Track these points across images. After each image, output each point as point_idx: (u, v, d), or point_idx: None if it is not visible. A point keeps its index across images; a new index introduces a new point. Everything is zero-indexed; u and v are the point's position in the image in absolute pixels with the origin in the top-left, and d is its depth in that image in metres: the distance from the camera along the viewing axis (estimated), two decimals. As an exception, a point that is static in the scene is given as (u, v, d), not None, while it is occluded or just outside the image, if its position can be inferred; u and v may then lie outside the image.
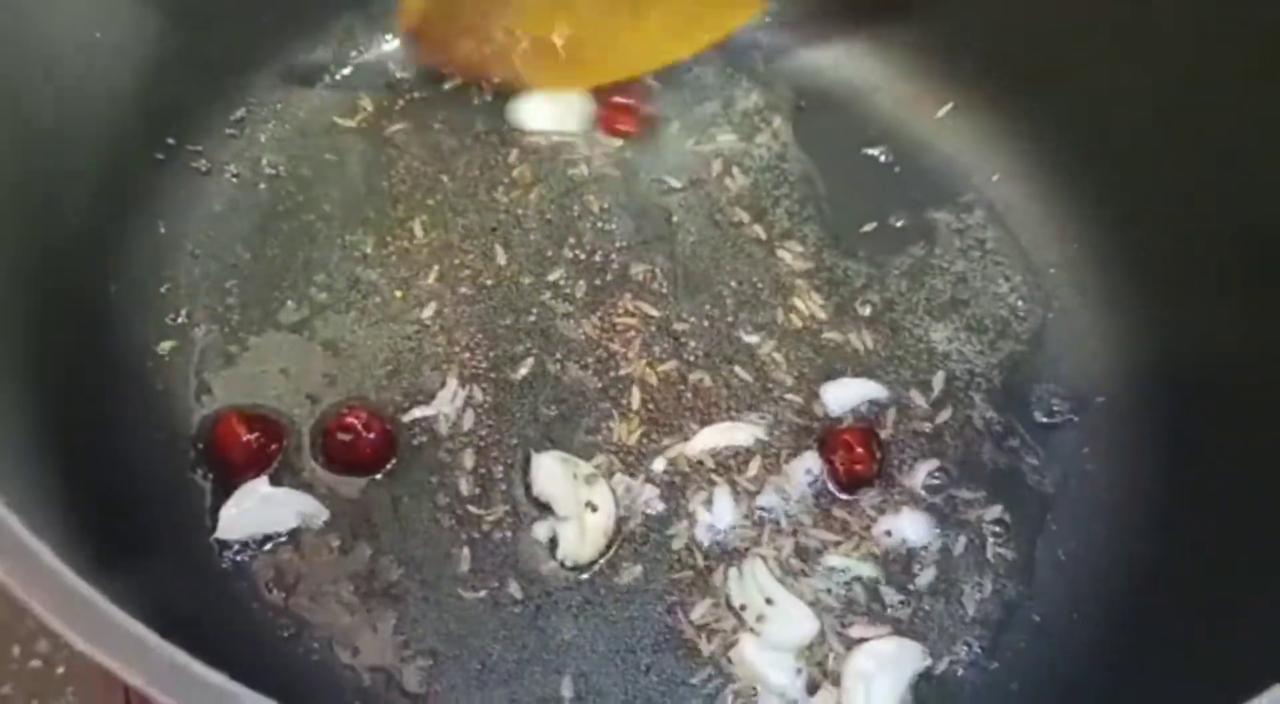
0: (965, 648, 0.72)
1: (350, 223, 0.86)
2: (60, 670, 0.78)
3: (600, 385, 0.80)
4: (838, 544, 0.75)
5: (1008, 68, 0.89)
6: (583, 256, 0.85)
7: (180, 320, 0.80)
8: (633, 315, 0.82)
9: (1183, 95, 0.79)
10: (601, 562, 0.73)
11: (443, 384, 0.79)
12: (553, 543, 0.74)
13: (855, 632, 0.72)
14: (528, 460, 0.76)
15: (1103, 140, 0.85)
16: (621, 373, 0.80)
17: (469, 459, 0.76)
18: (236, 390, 0.78)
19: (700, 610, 0.72)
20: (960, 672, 0.72)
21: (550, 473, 0.75)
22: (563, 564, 0.73)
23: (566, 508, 0.74)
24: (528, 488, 0.75)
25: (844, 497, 0.76)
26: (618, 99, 0.92)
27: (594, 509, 0.73)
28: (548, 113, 0.92)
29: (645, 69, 0.93)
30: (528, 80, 0.91)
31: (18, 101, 0.70)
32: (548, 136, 0.91)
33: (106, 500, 0.68)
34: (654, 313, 0.82)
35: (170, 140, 0.85)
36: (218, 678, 0.41)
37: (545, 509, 0.75)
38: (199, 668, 0.41)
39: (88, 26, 0.76)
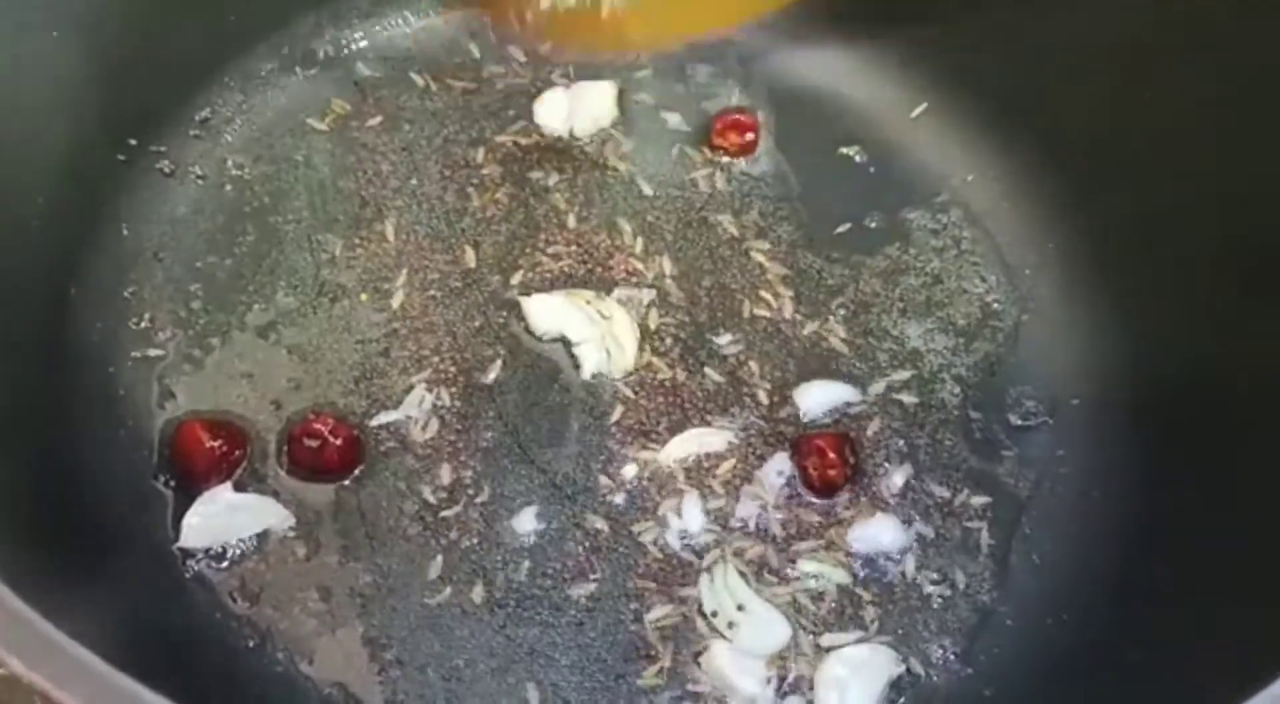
0: (939, 653, 0.72)
1: (317, 225, 0.85)
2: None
3: (570, 389, 0.79)
4: (811, 550, 0.74)
5: (982, 69, 0.88)
6: (552, 259, 0.84)
7: (143, 325, 0.79)
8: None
9: (1158, 97, 0.79)
10: (640, 371, 0.79)
11: (410, 388, 0.78)
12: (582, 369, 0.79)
13: (828, 638, 0.71)
14: (493, 460, 0.75)
15: (1079, 142, 0.84)
16: (591, 376, 0.79)
17: (437, 464, 0.75)
18: (200, 396, 0.77)
19: (670, 617, 0.71)
20: (934, 677, 0.71)
21: (549, 307, 0.79)
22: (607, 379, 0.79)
23: (581, 329, 0.76)
24: (529, 333, 0.80)
25: (817, 501, 0.76)
26: (731, 117, 0.91)
27: (608, 318, 0.77)
28: (564, 113, 0.91)
29: (687, 33, 0.93)
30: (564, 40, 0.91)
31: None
32: (520, 138, 0.90)
33: (65, 509, 0.68)
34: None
35: (133, 141, 0.83)
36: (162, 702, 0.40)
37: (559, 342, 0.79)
38: (146, 694, 0.40)
39: (47, 26, 0.74)
